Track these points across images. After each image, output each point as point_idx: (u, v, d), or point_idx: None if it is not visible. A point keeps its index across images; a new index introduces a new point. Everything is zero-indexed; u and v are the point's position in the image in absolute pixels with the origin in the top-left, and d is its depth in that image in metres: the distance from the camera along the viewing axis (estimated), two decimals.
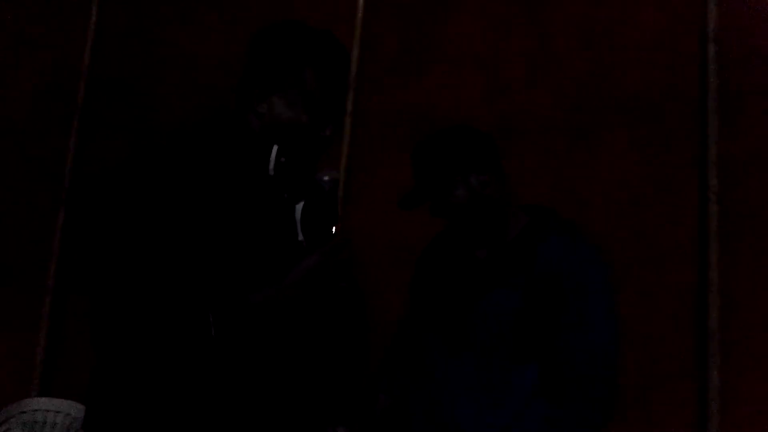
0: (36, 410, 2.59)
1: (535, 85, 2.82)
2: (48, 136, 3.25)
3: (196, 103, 3.06)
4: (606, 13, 2.81)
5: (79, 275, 1.26)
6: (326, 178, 1.33)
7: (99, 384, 1.30)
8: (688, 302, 2.54)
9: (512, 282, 1.72)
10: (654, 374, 2.50)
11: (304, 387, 1.36)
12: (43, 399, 2.68)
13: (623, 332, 1.74)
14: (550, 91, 2.80)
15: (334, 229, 1.33)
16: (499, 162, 1.83)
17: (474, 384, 1.70)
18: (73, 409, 2.60)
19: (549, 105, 2.78)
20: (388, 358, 1.97)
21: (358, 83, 2.83)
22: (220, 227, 1.27)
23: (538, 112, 2.79)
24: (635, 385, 2.42)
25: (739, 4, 2.69)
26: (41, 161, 3.24)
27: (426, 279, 1.92)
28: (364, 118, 2.78)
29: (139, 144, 1.31)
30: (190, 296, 1.21)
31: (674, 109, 2.69)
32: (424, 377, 1.78)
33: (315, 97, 1.39)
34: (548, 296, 1.68)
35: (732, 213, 2.56)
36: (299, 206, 1.36)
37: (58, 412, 2.59)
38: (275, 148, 1.36)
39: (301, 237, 1.35)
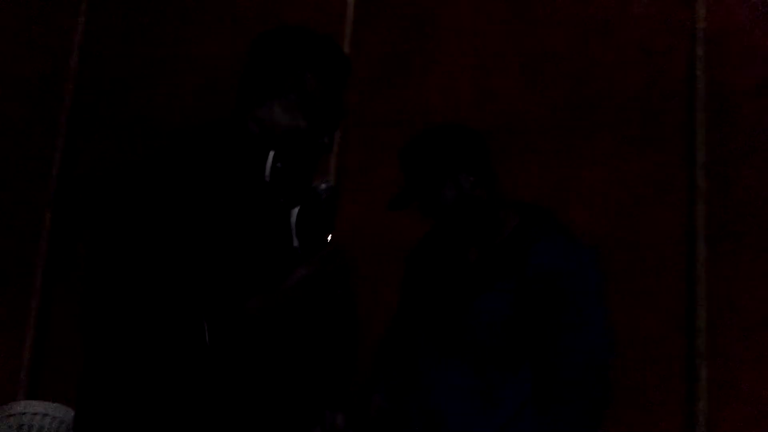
0: (23, 413, 2.57)
1: (525, 85, 2.83)
2: (36, 136, 3.22)
3: (185, 103, 3.05)
4: (596, 14, 2.82)
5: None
6: (323, 186, 1.33)
7: (90, 388, 1.29)
8: (676, 301, 2.55)
9: (503, 286, 1.71)
10: (643, 373, 2.50)
11: (296, 393, 1.36)
12: (31, 402, 2.66)
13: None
14: (540, 91, 2.81)
15: (329, 237, 1.33)
16: (489, 161, 1.82)
17: (465, 389, 1.70)
18: (61, 411, 2.59)
19: (538, 106, 2.79)
20: (381, 359, 1.96)
21: (349, 84, 2.83)
22: (216, 232, 1.26)
23: (528, 113, 2.79)
24: (624, 385, 2.43)
25: (728, 4, 2.70)
26: (29, 162, 3.22)
27: (416, 281, 1.91)
28: (355, 120, 2.78)
29: (137, 147, 1.31)
30: (185, 302, 1.21)
31: (663, 110, 2.70)
32: (416, 381, 1.77)
33: (315, 103, 1.38)
34: (542, 298, 1.67)
35: (720, 213, 2.57)
36: (294, 211, 1.36)
37: (45, 414, 2.57)
38: (271, 153, 1.36)
39: (296, 243, 1.35)
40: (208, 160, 1.32)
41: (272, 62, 1.40)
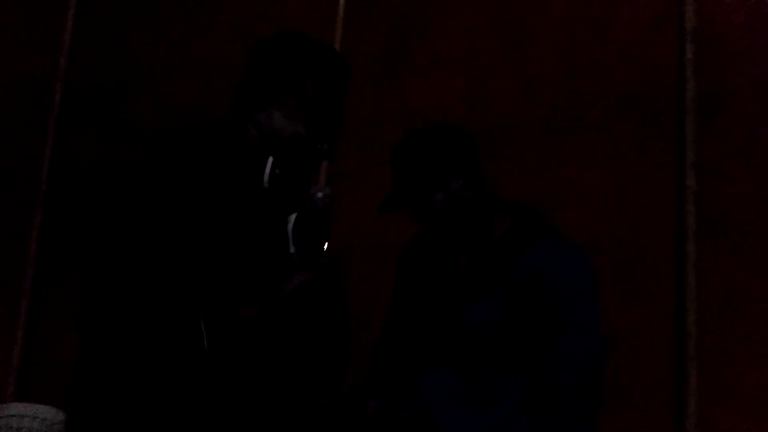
0: (12, 416, 2.55)
1: (514, 86, 2.83)
2: (25, 137, 3.21)
3: (173, 105, 3.04)
4: (587, 15, 2.82)
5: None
6: (320, 194, 1.33)
7: (85, 390, 1.28)
8: (666, 301, 2.56)
9: (494, 291, 1.70)
10: (633, 373, 2.51)
11: (290, 398, 1.36)
12: (20, 404, 2.65)
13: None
14: (529, 92, 2.81)
15: (325, 245, 1.33)
16: (479, 163, 1.81)
17: (457, 395, 1.69)
18: (50, 413, 2.57)
19: (529, 106, 2.79)
20: (375, 364, 1.95)
21: None
22: (214, 237, 1.26)
23: (518, 114, 2.80)
24: (614, 387, 2.43)
25: (718, 5, 2.71)
26: (18, 163, 3.20)
27: (407, 286, 1.89)
28: (346, 122, 2.77)
29: (127, 147, 1.31)
30: (183, 307, 1.21)
31: (652, 110, 2.71)
32: (409, 387, 1.76)
33: (314, 109, 1.39)
34: (534, 301, 1.67)
35: (709, 214, 2.58)
36: (292, 218, 1.36)
37: (34, 417, 2.56)
38: (270, 159, 1.36)
39: (292, 249, 1.35)
40: (208, 164, 1.32)
41: (273, 69, 1.40)
